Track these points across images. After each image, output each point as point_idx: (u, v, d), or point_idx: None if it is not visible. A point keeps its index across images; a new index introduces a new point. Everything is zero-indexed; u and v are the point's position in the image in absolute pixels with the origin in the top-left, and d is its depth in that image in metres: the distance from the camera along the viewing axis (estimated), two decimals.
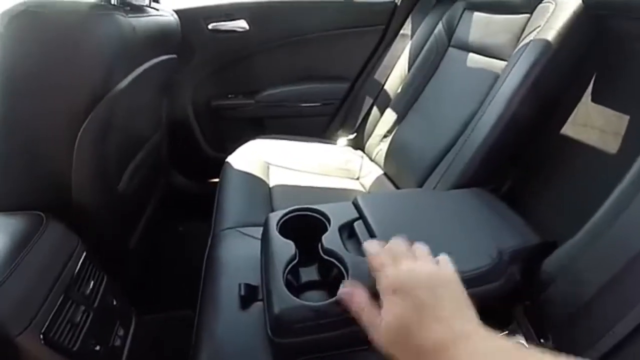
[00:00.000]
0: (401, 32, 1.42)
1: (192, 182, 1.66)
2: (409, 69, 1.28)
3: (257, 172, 1.15)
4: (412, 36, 1.35)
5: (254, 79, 1.55)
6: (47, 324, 0.65)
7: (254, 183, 1.11)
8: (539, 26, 0.86)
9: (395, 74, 1.34)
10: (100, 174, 0.90)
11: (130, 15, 0.89)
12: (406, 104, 1.23)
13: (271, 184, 1.12)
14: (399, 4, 1.47)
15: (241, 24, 1.43)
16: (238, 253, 0.82)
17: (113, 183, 1.00)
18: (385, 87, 1.36)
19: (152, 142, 1.25)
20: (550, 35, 0.81)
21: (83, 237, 0.81)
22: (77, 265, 0.77)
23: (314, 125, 1.58)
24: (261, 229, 0.89)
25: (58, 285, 0.70)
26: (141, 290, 1.13)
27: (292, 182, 1.15)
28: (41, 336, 0.63)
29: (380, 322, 0.39)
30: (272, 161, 1.23)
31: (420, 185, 0.98)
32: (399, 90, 1.29)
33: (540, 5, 0.90)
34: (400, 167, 1.14)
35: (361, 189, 1.19)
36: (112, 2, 0.90)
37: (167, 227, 1.48)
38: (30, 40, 0.71)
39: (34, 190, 0.81)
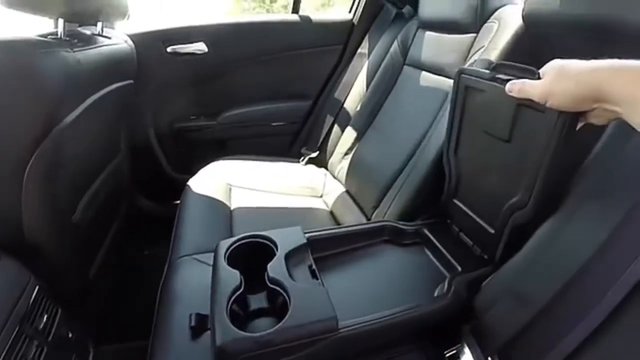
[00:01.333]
0: (359, 50, 1.45)
1: (157, 204, 1.62)
2: (367, 87, 1.31)
3: (218, 194, 1.14)
4: (369, 54, 1.38)
5: (216, 100, 1.54)
6: None
7: (214, 206, 1.10)
8: (483, 46, 0.89)
9: (355, 92, 1.37)
10: (52, 209, 0.88)
11: (76, 49, 0.88)
12: (365, 121, 1.25)
13: (232, 207, 1.11)
14: (356, 23, 1.51)
15: (200, 47, 1.43)
16: (192, 282, 0.80)
17: (66, 215, 0.96)
18: (345, 105, 1.38)
19: (110, 167, 1.22)
20: (494, 55, 0.85)
21: (37, 271, 0.79)
22: (29, 300, 0.74)
23: (277, 144, 1.59)
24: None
25: (10, 322, 0.68)
26: (101, 321, 1.09)
27: (254, 203, 1.14)
28: None
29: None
30: (234, 183, 1.22)
31: (378, 203, 1.00)
32: (358, 108, 1.31)
33: (485, 25, 0.93)
34: (360, 184, 1.15)
35: (324, 207, 1.20)
36: (60, 35, 0.88)
37: (131, 252, 1.44)
38: None
39: None
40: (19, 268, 0.76)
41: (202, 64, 1.46)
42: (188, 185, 1.19)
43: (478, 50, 0.90)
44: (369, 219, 1.03)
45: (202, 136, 1.57)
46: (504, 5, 0.94)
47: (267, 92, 1.56)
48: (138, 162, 1.48)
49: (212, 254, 0.86)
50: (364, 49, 1.43)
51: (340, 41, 1.52)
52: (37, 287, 0.77)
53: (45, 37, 0.86)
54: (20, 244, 0.81)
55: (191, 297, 0.76)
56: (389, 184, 0.98)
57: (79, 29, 1.07)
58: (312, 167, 1.40)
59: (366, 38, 1.44)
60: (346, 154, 1.28)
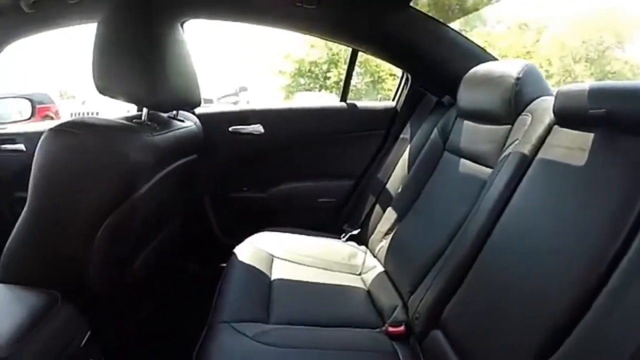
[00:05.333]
0: (401, 136, 1.54)
1: (205, 266, 1.70)
2: (409, 170, 1.37)
3: (261, 264, 1.20)
4: (411, 140, 1.46)
5: (267, 175, 1.68)
6: None
7: (255, 275, 1.15)
8: (517, 139, 0.93)
9: (397, 174, 1.43)
10: (115, 264, 0.98)
11: (155, 133, 1.02)
12: (406, 203, 1.29)
13: (273, 277, 1.15)
14: (399, 110, 1.63)
15: (257, 128, 1.60)
16: (226, 351, 0.84)
17: (125, 270, 1.06)
18: (387, 186, 1.44)
19: (168, 229, 1.34)
20: (527, 148, 0.88)
21: (89, 317, 0.85)
22: (79, 345, 0.81)
23: (321, 219, 1.66)
24: (254, 324, 0.91)
25: None
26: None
27: (294, 276, 1.18)
28: None
29: None
30: (276, 254, 1.27)
31: (415, 288, 1.00)
32: (399, 190, 1.36)
33: (520, 117, 0.97)
34: (398, 265, 1.16)
35: (362, 286, 1.21)
36: (143, 120, 1.04)
37: (175, 311, 1.49)
38: (62, 154, 0.84)
39: (54, 272, 0.89)
40: (76, 314, 0.82)
41: (258, 142, 1.62)
42: (234, 253, 1.26)
43: (512, 143, 0.94)
44: (405, 303, 1.03)
45: (252, 206, 1.69)
46: (539, 97, 0.97)
47: (315, 169, 1.68)
48: (192, 224, 1.60)
49: (248, 324, 0.91)
50: (406, 134, 1.52)
51: (383, 126, 1.64)
52: (88, 334, 0.83)
53: (131, 121, 1.01)
54: (81, 292, 0.88)
55: None
56: (427, 269, 0.99)
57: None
58: (352, 244, 1.44)
59: (408, 124, 1.54)
60: (387, 233, 1.31)
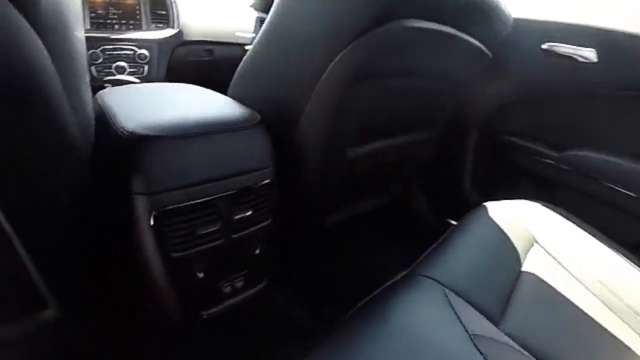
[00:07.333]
0: None
1: (432, 208, 1.44)
2: None
3: (513, 239, 0.80)
4: None
5: (572, 129, 1.13)
6: (164, 209, 0.58)
7: (499, 250, 0.78)
8: None
9: None
10: (328, 132, 0.82)
11: None
12: None
13: (524, 267, 0.76)
14: None
15: (587, 54, 1.01)
16: (418, 321, 0.56)
17: (342, 147, 0.90)
18: None
19: (411, 138, 1.08)
20: None
21: (279, 166, 0.76)
22: (252, 183, 0.70)
23: (628, 224, 1.04)
24: (477, 315, 0.59)
25: (228, 183, 0.65)
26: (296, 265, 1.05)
27: (556, 284, 0.73)
28: (154, 214, 0.57)
29: None
30: (541, 239, 0.84)
31: None
32: None
33: None
34: None
35: None
36: None
37: (372, 238, 1.33)
38: None
39: (270, 106, 0.80)
40: (268, 144, 0.74)
41: (581, 76, 1.05)
42: (484, 206, 0.89)
43: None
44: None
45: (529, 164, 1.22)
46: None
47: None
48: (442, 154, 1.30)
49: (469, 308, 0.60)
50: None
51: None
52: (269, 180, 0.74)
53: None
54: (289, 140, 0.79)
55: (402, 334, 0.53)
56: None
57: None
58: None
59: None
60: None
